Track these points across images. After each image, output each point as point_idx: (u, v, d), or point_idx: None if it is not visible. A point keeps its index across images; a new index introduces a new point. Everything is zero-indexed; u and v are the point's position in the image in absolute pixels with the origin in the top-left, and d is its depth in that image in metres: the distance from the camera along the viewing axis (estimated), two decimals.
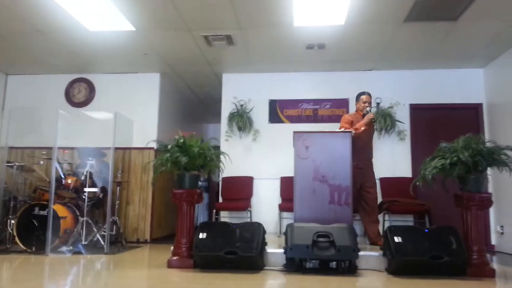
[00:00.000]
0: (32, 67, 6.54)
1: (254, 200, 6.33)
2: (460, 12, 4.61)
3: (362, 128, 4.61)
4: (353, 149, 4.42)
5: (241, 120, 6.42)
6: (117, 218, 5.69)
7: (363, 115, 4.78)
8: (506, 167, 3.78)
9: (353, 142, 4.46)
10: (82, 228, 5.19)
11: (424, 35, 5.23)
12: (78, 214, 5.30)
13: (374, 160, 4.95)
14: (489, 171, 3.99)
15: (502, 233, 5.70)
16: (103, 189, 5.66)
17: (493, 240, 5.92)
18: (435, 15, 4.70)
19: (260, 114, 6.57)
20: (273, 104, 6.61)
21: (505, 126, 5.71)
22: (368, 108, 4.79)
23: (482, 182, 3.85)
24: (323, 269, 3.73)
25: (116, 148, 5.51)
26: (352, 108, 6.24)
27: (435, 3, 4.42)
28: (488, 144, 3.89)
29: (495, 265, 4.47)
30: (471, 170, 3.77)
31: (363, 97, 4.87)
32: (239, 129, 6.49)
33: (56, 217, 4.93)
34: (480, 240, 3.81)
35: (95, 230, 5.30)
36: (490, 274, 3.70)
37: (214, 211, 6.09)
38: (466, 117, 6.30)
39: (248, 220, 5.87)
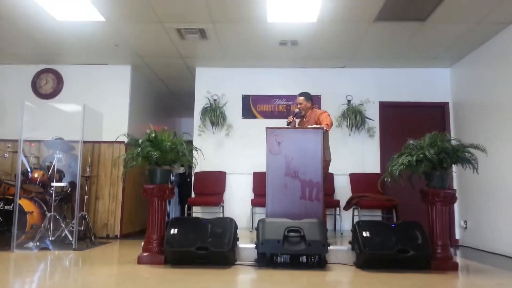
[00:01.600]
0: None
1: (226, 195, 6.33)
2: (429, 13, 4.74)
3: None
4: None
5: (214, 115, 6.40)
6: (85, 213, 5.57)
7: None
8: (470, 165, 3.93)
9: None
10: (49, 224, 5.05)
11: (394, 35, 5.35)
12: (46, 209, 5.16)
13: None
14: (454, 168, 4.14)
15: (466, 227, 5.93)
16: (72, 184, 5.52)
17: (457, 234, 6.15)
18: (405, 15, 4.81)
19: (233, 109, 6.57)
20: (246, 99, 6.61)
21: (469, 124, 5.91)
22: (296, 110, 5.07)
23: (446, 179, 3.98)
24: (294, 263, 3.79)
25: (85, 142, 5.39)
26: (324, 105, 6.33)
27: (405, 3, 4.53)
28: (453, 142, 4.02)
29: (458, 258, 4.64)
30: (436, 166, 3.90)
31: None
32: (212, 124, 6.47)
33: (22, 212, 4.79)
34: (445, 235, 3.94)
35: (63, 225, 5.16)
36: (453, 267, 3.84)
37: (186, 206, 6.06)
38: (433, 115, 6.50)
39: (221, 215, 5.87)
